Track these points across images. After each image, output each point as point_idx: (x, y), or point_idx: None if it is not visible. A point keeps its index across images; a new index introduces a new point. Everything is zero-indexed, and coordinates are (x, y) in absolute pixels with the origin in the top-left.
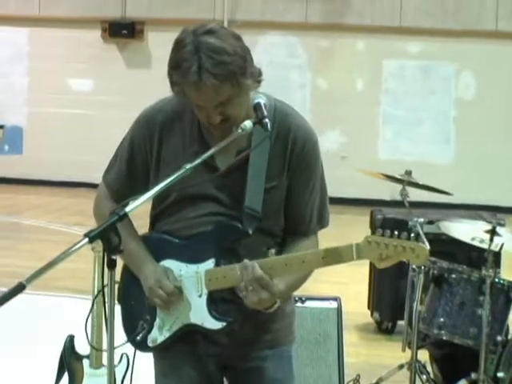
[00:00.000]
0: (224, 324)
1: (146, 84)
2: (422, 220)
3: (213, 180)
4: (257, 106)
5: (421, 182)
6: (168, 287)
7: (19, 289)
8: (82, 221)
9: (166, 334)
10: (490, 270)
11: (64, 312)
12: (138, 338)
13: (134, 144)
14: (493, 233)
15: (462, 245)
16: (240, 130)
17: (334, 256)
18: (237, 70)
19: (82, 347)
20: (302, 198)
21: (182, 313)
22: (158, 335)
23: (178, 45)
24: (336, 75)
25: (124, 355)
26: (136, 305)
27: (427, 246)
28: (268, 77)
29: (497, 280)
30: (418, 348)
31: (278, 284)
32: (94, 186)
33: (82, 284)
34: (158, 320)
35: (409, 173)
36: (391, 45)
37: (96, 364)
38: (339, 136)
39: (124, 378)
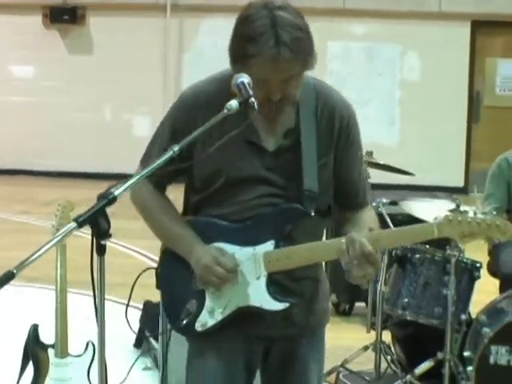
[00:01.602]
0: (287, 305)
1: (88, 70)
2: (385, 201)
3: (263, 161)
4: (241, 85)
5: (381, 163)
6: (227, 264)
7: (8, 277)
8: (28, 209)
9: (219, 317)
10: (455, 250)
11: (20, 301)
12: (184, 322)
13: (175, 128)
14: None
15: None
16: (226, 110)
17: (413, 235)
18: (308, 47)
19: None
20: (354, 170)
21: (236, 295)
22: (208, 319)
23: (250, 18)
24: None
25: (90, 343)
26: (179, 290)
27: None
28: (213, 59)
29: (461, 259)
30: (382, 329)
31: None
32: (36, 173)
33: (36, 273)
34: (207, 303)
35: (370, 153)
36: (335, 26)
37: (62, 353)
38: None
39: (90, 367)
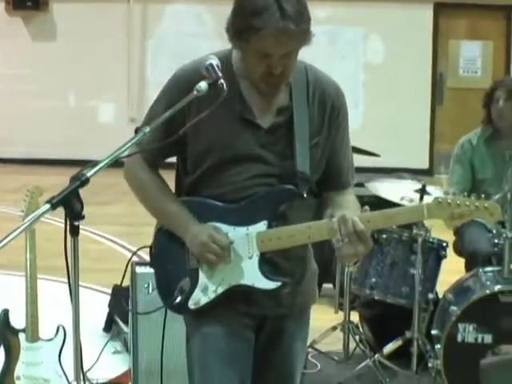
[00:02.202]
0: (278, 284)
1: (52, 57)
2: None
3: (257, 138)
4: (209, 67)
5: None
6: (222, 241)
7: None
8: None
9: (211, 296)
10: (421, 229)
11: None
12: (177, 300)
13: (170, 105)
14: (423, 191)
15: (391, 205)
16: (195, 92)
17: (404, 216)
18: (308, 22)
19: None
20: (341, 150)
21: (229, 274)
22: (201, 297)
23: None
24: None
25: (60, 327)
26: (173, 268)
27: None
28: (176, 46)
29: (427, 239)
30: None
31: None
32: (2, 160)
33: (5, 260)
34: (201, 282)
35: None
36: None
37: (32, 337)
38: None
39: (61, 351)
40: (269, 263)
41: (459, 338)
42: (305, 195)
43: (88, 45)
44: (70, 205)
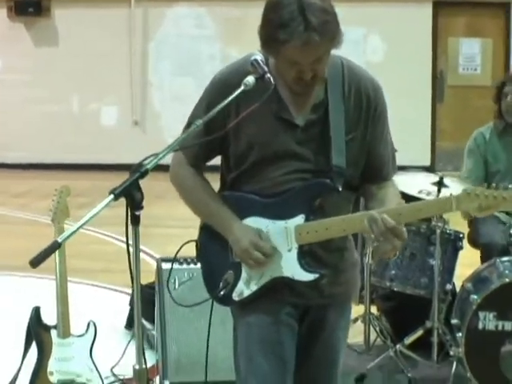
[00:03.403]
0: (316, 276)
1: (55, 61)
2: None
3: (294, 136)
4: (254, 63)
5: None
6: (266, 249)
7: (55, 246)
8: (1, 201)
9: (254, 288)
10: (439, 221)
11: (20, 289)
12: (222, 292)
13: (211, 107)
14: (440, 184)
15: (409, 198)
16: (243, 86)
17: (432, 208)
18: (335, 28)
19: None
20: (382, 143)
21: (270, 266)
22: (244, 289)
23: (279, 5)
24: (245, 45)
25: (91, 323)
26: (217, 261)
27: None
28: (178, 49)
29: (445, 230)
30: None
31: None
32: (7, 166)
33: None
34: (243, 274)
35: None
36: None
37: (64, 334)
38: None
39: (92, 346)
40: (308, 255)
41: (480, 326)
42: (340, 189)
43: (90, 49)
44: (131, 195)
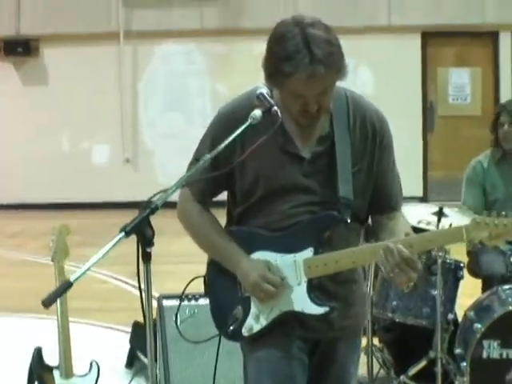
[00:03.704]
0: (327, 309)
1: (45, 100)
2: None
3: (301, 169)
4: (260, 96)
5: None
6: (275, 280)
7: (67, 286)
8: None
9: (263, 323)
10: (440, 251)
11: (20, 330)
12: (232, 328)
13: (216, 143)
14: (440, 214)
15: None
16: (250, 120)
17: (442, 238)
18: (340, 60)
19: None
20: (389, 174)
21: (279, 301)
22: (253, 324)
23: (284, 37)
24: (235, 80)
25: (94, 363)
26: (225, 297)
27: None
28: (167, 85)
29: (445, 260)
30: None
31: None
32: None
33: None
34: (253, 309)
35: None
36: None
37: (67, 374)
38: None
39: None
40: (317, 288)
41: (484, 355)
42: (348, 220)
43: (80, 88)
44: (142, 232)
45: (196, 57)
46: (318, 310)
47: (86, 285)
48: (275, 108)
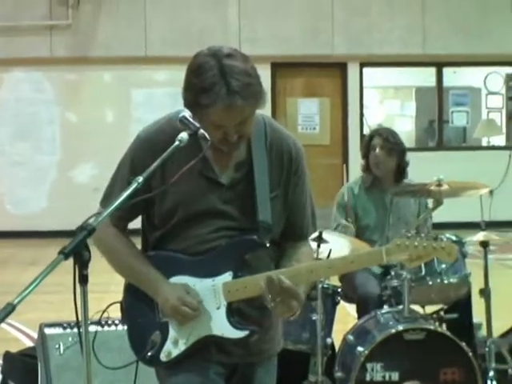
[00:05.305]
0: (247, 333)
1: None
2: None
3: (219, 195)
4: (184, 120)
5: None
6: (193, 304)
7: (9, 309)
8: None
9: (182, 348)
10: None
11: None
12: (150, 353)
13: (135, 165)
14: (319, 239)
15: None
16: (177, 142)
17: (363, 260)
18: (258, 90)
19: None
20: (300, 203)
21: (198, 325)
22: (172, 349)
23: (201, 69)
24: (85, 108)
25: None
26: (143, 322)
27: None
28: (16, 114)
29: (323, 285)
30: None
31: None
32: None
33: None
34: (171, 334)
35: None
36: (138, 74)
37: None
38: (92, 168)
39: None
40: (236, 312)
41: (368, 378)
42: (267, 244)
43: None
44: (80, 254)
45: (45, 85)
46: (238, 334)
47: None
48: (202, 131)
